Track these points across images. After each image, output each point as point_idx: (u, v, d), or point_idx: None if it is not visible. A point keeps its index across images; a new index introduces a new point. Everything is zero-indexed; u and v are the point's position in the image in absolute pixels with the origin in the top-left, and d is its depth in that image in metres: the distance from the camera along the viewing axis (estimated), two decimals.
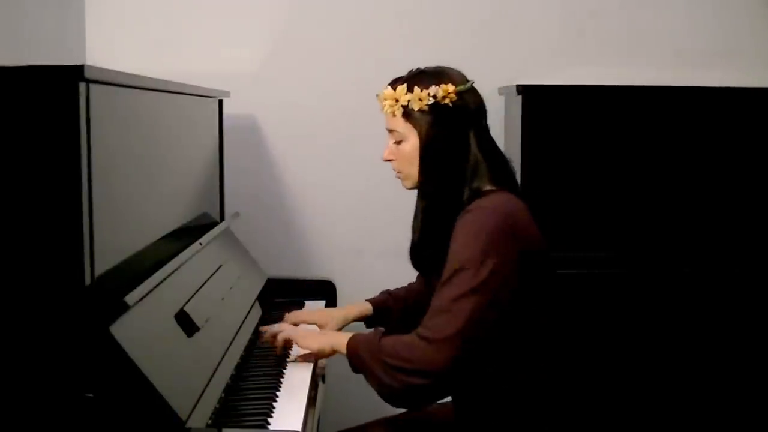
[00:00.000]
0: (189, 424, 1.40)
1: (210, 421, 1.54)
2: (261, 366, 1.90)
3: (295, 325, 2.07)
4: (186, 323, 1.65)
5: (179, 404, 1.40)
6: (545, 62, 2.79)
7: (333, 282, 2.62)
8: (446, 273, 1.68)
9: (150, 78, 1.71)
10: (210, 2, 2.78)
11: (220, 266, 2.08)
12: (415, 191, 1.87)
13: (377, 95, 1.84)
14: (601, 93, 2.57)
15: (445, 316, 1.64)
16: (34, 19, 2.37)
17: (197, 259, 1.94)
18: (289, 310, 2.31)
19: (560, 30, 2.81)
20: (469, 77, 1.82)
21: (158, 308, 1.58)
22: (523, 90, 2.52)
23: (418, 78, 1.79)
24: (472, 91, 1.81)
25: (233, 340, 1.89)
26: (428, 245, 1.80)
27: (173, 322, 1.62)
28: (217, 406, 1.62)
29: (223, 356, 1.77)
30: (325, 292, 2.58)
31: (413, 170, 1.80)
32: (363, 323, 2.11)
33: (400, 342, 1.68)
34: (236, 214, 2.56)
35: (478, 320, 1.63)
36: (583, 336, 2.44)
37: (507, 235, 1.67)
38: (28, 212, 1.33)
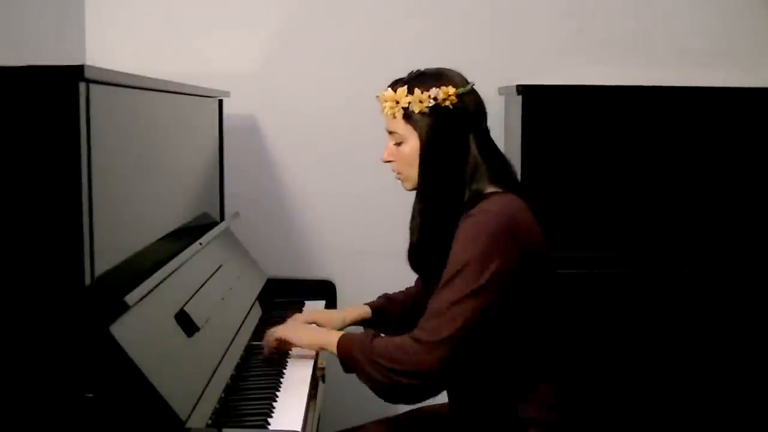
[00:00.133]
0: (189, 424, 1.40)
1: (210, 421, 1.54)
2: (261, 366, 1.90)
3: None
4: (186, 323, 1.65)
5: (179, 404, 1.40)
6: (545, 62, 2.79)
7: (333, 282, 2.62)
8: (445, 275, 1.68)
9: (150, 78, 1.71)
10: (210, 2, 2.78)
11: (220, 266, 2.08)
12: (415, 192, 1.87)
13: (377, 96, 1.84)
14: (602, 93, 2.57)
15: (441, 319, 1.64)
16: (34, 19, 2.37)
17: (197, 259, 1.94)
18: (289, 310, 2.32)
19: (561, 30, 2.81)
20: (469, 78, 1.82)
21: (158, 308, 1.58)
22: (523, 90, 2.51)
23: (418, 80, 1.79)
24: (473, 93, 1.81)
25: (233, 340, 1.89)
26: (427, 247, 1.79)
27: (173, 322, 1.62)
28: (217, 406, 1.62)
29: (223, 356, 1.77)
30: (325, 292, 2.58)
31: (413, 172, 1.80)
32: (361, 327, 2.11)
33: (392, 343, 1.69)
34: (236, 214, 2.56)
35: (473, 325, 1.64)
36: (583, 336, 2.44)
37: (508, 237, 1.67)
38: (28, 212, 1.33)
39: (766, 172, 2.58)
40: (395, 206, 2.72)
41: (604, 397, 2.49)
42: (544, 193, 2.49)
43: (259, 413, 1.62)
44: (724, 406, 2.51)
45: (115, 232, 1.49)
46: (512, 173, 1.84)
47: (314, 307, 2.45)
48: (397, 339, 1.69)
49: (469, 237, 1.67)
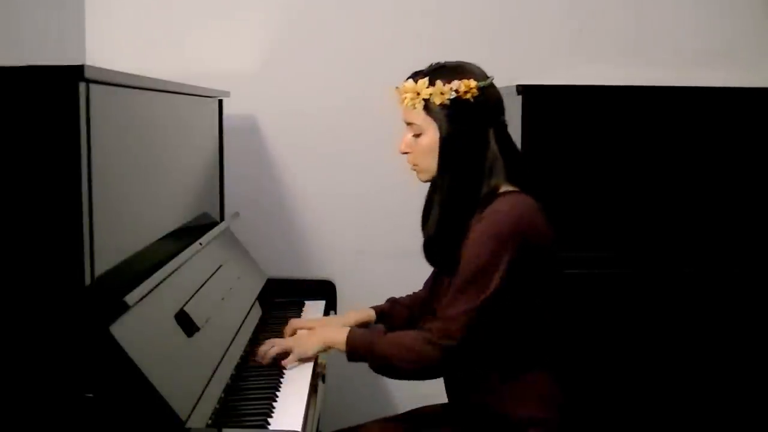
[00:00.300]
0: (189, 425, 1.40)
1: (210, 421, 1.54)
2: (261, 366, 1.89)
3: (293, 333, 2.03)
4: (186, 323, 1.65)
5: (179, 404, 1.40)
6: (545, 62, 2.79)
7: (333, 282, 2.62)
8: (458, 280, 1.71)
9: (150, 78, 1.71)
10: (210, 2, 2.78)
11: (220, 266, 2.08)
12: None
13: (396, 88, 1.84)
14: (602, 93, 2.57)
15: (451, 324, 1.69)
16: (34, 19, 2.37)
17: (197, 259, 1.94)
18: (289, 310, 2.31)
19: (561, 30, 2.81)
20: None
21: (158, 308, 1.58)
22: (523, 90, 2.51)
23: (439, 72, 1.79)
24: (492, 87, 1.82)
25: (233, 340, 1.89)
26: (443, 241, 1.79)
27: (173, 322, 1.62)
28: (217, 406, 1.62)
29: (223, 356, 1.77)
30: (325, 292, 2.58)
31: (430, 164, 1.81)
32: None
33: (404, 334, 1.78)
34: (236, 214, 2.56)
35: (482, 328, 1.69)
36: (583, 335, 2.44)
37: (518, 239, 1.69)
38: (29, 212, 1.33)
39: (766, 172, 2.58)
40: (395, 206, 2.74)
41: (604, 397, 2.49)
42: (543, 194, 2.48)
43: (259, 413, 1.62)
44: (724, 405, 2.51)
45: (115, 232, 1.49)
46: (527, 170, 1.85)
47: (314, 307, 2.45)
48: (411, 332, 1.76)
49: (479, 241, 1.70)
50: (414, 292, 2.12)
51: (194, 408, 1.47)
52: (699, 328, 2.49)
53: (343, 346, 1.81)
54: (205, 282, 1.91)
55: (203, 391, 1.55)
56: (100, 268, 1.39)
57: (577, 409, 1.84)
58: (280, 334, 2.04)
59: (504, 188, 1.77)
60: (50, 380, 1.35)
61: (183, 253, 1.83)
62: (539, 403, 1.76)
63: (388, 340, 1.77)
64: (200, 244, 1.99)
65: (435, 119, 1.78)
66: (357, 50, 2.79)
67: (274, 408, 1.66)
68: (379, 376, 1.83)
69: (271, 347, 1.90)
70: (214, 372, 1.66)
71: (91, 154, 1.35)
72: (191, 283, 1.82)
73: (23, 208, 1.33)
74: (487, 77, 1.81)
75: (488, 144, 1.78)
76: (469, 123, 1.77)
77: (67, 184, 1.32)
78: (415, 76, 1.82)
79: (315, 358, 1.92)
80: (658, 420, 2.50)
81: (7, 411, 1.35)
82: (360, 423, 1.99)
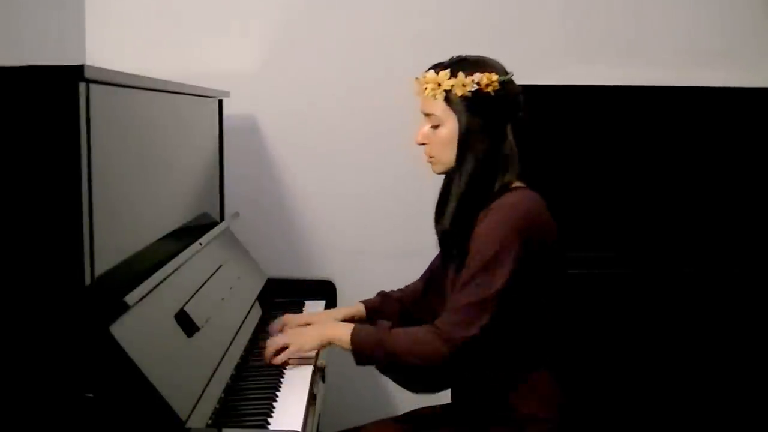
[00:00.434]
0: (189, 425, 1.40)
1: (210, 421, 1.54)
2: (261, 366, 1.89)
3: (281, 329, 2.03)
4: (186, 323, 1.65)
5: (179, 404, 1.40)
6: (545, 62, 2.79)
7: (333, 282, 2.62)
8: (465, 274, 1.71)
9: (150, 78, 1.71)
10: (210, 3, 2.78)
11: (220, 266, 2.08)
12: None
13: (417, 78, 1.84)
14: (602, 93, 2.57)
15: (459, 317, 1.68)
16: (34, 19, 2.37)
17: (197, 259, 1.94)
18: (290, 310, 2.31)
19: (561, 30, 2.81)
20: None
21: (158, 308, 1.58)
22: (523, 90, 2.51)
23: (461, 64, 1.80)
24: (512, 82, 1.82)
25: (233, 340, 1.89)
26: (460, 233, 1.79)
27: (173, 322, 1.62)
28: (217, 406, 1.62)
29: (223, 356, 1.76)
30: (325, 292, 2.58)
31: (447, 155, 1.81)
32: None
33: (415, 329, 1.75)
34: (236, 214, 2.56)
35: (490, 320, 1.68)
36: (584, 335, 2.44)
37: (525, 233, 1.70)
38: (28, 212, 1.33)
39: (766, 172, 2.58)
40: (395, 206, 2.73)
41: (605, 396, 2.49)
42: (544, 194, 2.48)
43: (259, 413, 1.62)
44: (724, 405, 2.52)
45: (115, 232, 1.49)
46: (539, 169, 1.86)
47: (314, 307, 2.45)
48: (420, 328, 1.74)
49: (485, 236, 1.71)
50: (406, 285, 2.12)
51: (194, 408, 1.47)
52: (699, 328, 2.49)
53: (346, 344, 1.79)
54: (205, 282, 1.91)
55: (203, 391, 1.55)
56: (100, 268, 1.39)
57: (577, 409, 1.85)
58: None
59: (516, 184, 1.78)
60: (50, 380, 1.35)
61: (183, 253, 1.83)
62: (540, 402, 1.76)
63: (398, 334, 1.75)
64: (200, 244, 1.99)
65: (455, 111, 1.79)
66: (357, 50, 2.79)
67: (274, 408, 1.66)
68: (380, 375, 1.82)
69: (272, 346, 1.90)
70: (214, 372, 1.66)
71: (91, 154, 1.35)
72: (191, 283, 1.82)
73: (23, 208, 1.33)
74: (507, 72, 1.82)
75: (506, 138, 1.79)
76: (488, 116, 1.78)
77: (67, 184, 1.32)
78: (436, 67, 1.82)
79: (315, 358, 1.92)
80: (658, 420, 2.50)
81: (7, 411, 1.35)
82: (360, 423, 1.99)
